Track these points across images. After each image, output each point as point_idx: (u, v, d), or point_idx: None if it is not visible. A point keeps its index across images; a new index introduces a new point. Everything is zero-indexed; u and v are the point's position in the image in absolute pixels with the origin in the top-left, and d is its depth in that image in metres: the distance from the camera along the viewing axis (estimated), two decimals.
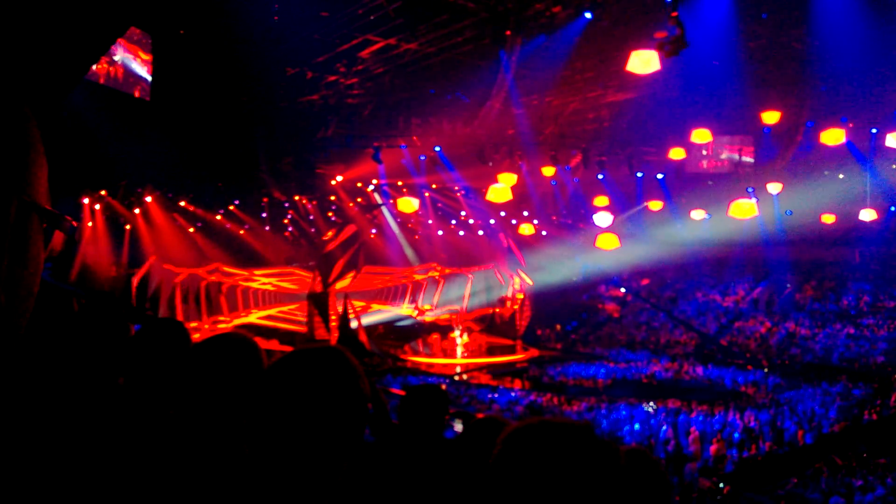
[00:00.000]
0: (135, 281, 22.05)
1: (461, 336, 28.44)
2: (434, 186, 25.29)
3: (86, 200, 20.30)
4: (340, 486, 1.31)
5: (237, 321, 26.21)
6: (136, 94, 14.19)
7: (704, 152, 24.08)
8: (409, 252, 30.42)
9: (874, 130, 20.48)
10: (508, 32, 14.19)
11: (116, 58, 13.54)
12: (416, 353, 27.31)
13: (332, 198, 25.53)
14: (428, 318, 31.36)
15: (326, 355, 1.36)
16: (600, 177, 24.95)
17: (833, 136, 18.21)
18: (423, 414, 2.84)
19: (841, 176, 25.20)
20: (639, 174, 25.48)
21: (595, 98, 18.97)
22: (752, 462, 14.49)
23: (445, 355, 27.37)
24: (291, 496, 1.25)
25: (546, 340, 32.34)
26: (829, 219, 26.35)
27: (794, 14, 13.86)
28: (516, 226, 28.80)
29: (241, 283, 27.02)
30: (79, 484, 1.46)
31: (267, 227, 26.39)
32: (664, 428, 15.88)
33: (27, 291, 0.86)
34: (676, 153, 21.36)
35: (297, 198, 25.13)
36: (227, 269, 25.92)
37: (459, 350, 27.82)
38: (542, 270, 31.56)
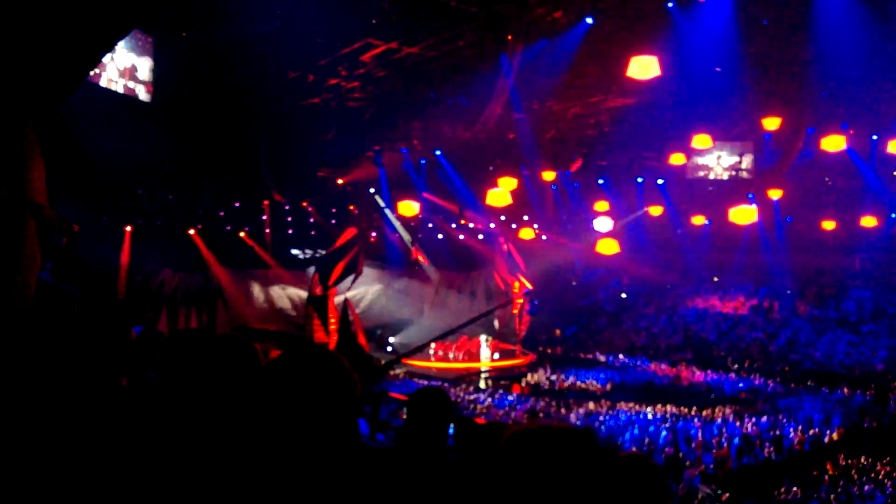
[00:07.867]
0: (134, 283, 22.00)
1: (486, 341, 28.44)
2: (435, 190, 25.27)
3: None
4: (339, 486, 1.31)
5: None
6: (138, 97, 14.21)
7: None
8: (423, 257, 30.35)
9: (875, 137, 20.50)
10: (510, 37, 14.22)
11: (118, 60, 13.57)
12: (423, 358, 27.22)
13: (333, 200, 25.49)
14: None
15: (318, 358, 1.36)
16: (601, 182, 24.94)
17: (834, 143, 18.25)
18: (427, 418, 2.83)
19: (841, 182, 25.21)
20: (639, 179, 25.47)
21: (596, 103, 19.00)
22: (752, 469, 14.46)
23: (459, 360, 27.41)
24: (285, 495, 1.25)
25: (545, 345, 32.30)
26: (829, 225, 26.36)
27: (794, 21, 13.89)
28: (516, 230, 28.77)
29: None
30: (79, 482, 1.45)
31: (267, 230, 26.33)
32: (663, 434, 15.85)
33: (22, 290, 0.86)
34: (677, 159, 21.38)
35: (298, 200, 25.13)
36: None
37: (485, 353, 27.87)
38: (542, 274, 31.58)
